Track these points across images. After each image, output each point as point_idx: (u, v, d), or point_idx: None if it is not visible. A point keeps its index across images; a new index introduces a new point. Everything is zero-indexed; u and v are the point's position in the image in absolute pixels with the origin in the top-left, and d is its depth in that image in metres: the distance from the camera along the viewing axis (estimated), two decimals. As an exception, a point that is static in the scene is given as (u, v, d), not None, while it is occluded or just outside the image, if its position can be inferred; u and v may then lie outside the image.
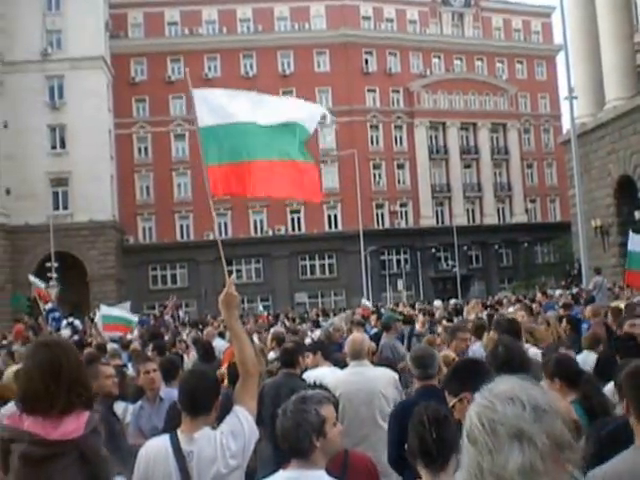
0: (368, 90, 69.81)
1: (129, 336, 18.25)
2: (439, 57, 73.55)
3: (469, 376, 4.47)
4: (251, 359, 4.74)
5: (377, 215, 68.52)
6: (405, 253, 69.21)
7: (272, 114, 6.31)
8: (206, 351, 12.85)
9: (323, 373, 8.10)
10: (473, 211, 72.89)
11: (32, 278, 29.18)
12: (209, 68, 66.97)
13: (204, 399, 4.59)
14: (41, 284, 29.66)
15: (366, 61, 70.19)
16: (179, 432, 4.54)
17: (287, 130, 6.34)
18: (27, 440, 3.37)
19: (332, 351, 9.37)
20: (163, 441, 4.57)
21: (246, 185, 6.26)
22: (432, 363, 6.66)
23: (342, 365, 8.74)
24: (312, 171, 6.59)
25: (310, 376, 7.90)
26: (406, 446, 4.11)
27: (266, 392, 7.99)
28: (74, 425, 3.49)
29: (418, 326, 17.08)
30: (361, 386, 7.62)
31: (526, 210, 74.48)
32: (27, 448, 3.35)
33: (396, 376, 8.08)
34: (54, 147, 59.63)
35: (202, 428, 4.49)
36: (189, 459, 4.39)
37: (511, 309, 20.66)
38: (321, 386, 4.62)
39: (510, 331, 8.37)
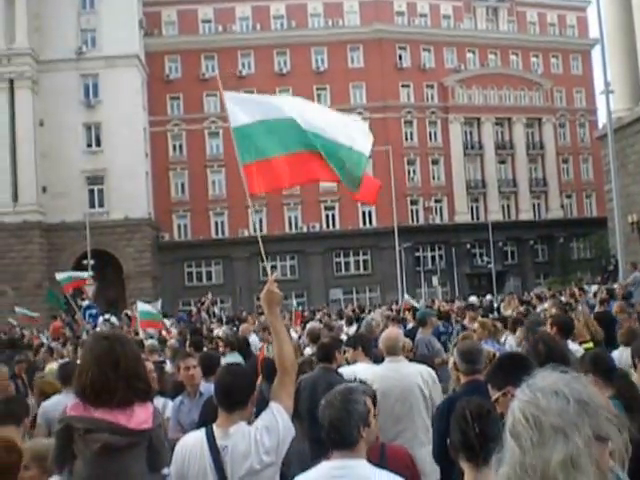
0: (402, 86, 69.50)
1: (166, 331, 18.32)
2: (473, 52, 73.03)
3: (513, 370, 4.47)
4: (289, 357, 4.78)
5: (411, 211, 68.24)
6: (440, 249, 68.88)
7: (321, 126, 6.35)
8: (242, 347, 12.91)
9: (358, 370, 8.08)
10: (508, 207, 72.36)
11: (59, 276, 29.36)
12: (243, 65, 67.08)
13: (239, 394, 4.61)
14: (75, 276, 29.79)
15: (400, 57, 69.84)
16: (215, 427, 4.58)
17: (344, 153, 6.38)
18: (108, 429, 3.42)
19: (372, 346, 9.34)
20: (199, 435, 4.61)
21: (285, 177, 6.32)
22: (479, 358, 6.64)
23: (380, 361, 8.73)
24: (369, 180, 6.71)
25: (345, 372, 7.90)
26: (448, 441, 4.10)
27: (303, 387, 8.02)
28: (144, 416, 3.56)
29: (466, 322, 16.98)
30: (396, 382, 7.59)
31: (562, 205, 73.78)
32: (110, 437, 3.41)
33: (432, 372, 8.02)
34: (89, 145, 60.10)
35: (237, 423, 4.52)
36: (224, 454, 4.44)
37: (546, 305, 20.53)
38: (360, 380, 4.64)
39: (565, 329, 8.43)
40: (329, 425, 4.05)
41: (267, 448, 4.45)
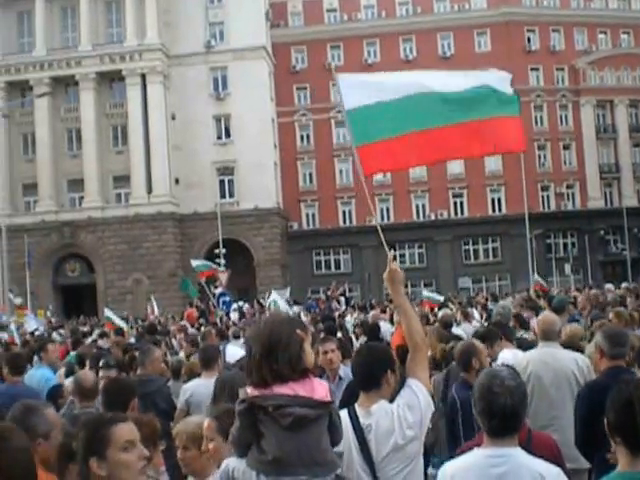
0: (531, 69, 67.97)
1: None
2: (605, 32, 70.66)
3: None
4: (419, 333, 4.78)
5: (542, 197, 66.82)
6: (572, 236, 67.28)
7: (448, 84, 6.34)
8: (372, 333, 12.99)
9: (506, 357, 7.99)
10: (644, 192, 70.04)
11: (195, 263, 29.90)
12: (368, 53, 66.96)
13: (371, 374, 4.71)
14: (209, 265, 30.36)
15: (528, 39, 68.36)
16: (357, 406, 4.67)
17: (470, 93, 6.34)
18: (297, 403, 3.49)
19: (513, 332, 9.21)
20: (342, 415, 4.64)
21: (406, 156, 6.34)
22: (626, 342, 6.47)
23: (524, 347, 8.65)
24: (512, 123, 6.61)
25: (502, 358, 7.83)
26: (606, 424, 3.94)
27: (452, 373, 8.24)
28: (324, 390, 3.61)
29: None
30: (551, 366, 7.50)
31: (701, 189, 70.96)
32: (300, 410, 3.49)
33: (587, 360, 7.76)
34: (219, 137, 61.37)
35: (378, 402, 4.60)
36: (367, 432, 4.52)
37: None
38: (507, 366, 4.55)
39: None
40: (511, 412, 4.02)
41: (410, 423, 4.50)
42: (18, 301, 39.41)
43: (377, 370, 4.72)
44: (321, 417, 3.60)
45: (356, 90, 6.13)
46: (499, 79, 6.62)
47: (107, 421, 3.75)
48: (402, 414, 4.50)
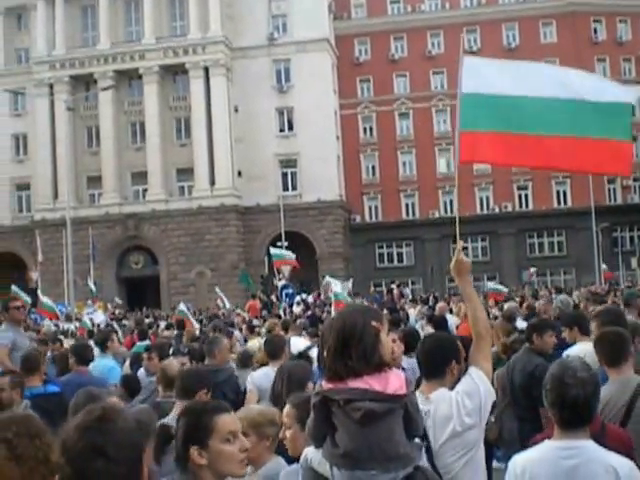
0: (597, 60, 66.86)
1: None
2: (674, 22, 69.42)
3: None
4: (483, 322, 4.81)
5: (609, 190, 65.70)
6: (639, 230, 66.12)
7: (576, 89, 6.18)
8: (439, 325, 12.89)
9: (586, 350, 7.79)
10: None
11: (273, 251, 30.06)
12: (432, 45, 66.40)
13: (436, 363, 4.82)
14: (286, 254, 30.48)
15: (595, 30, 67.30)
16: (418, 392, 4.63)
17: (597, 108, 6.16)
18: (368, 397, 3.44)
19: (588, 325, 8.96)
20: None
21: (505, 155, 6.34)
22: None
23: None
24: (622, 147, 6.33)
25: (571, 352, 7.64)
26: None
27: (510, 367, 8.38)
28: (398, 382, 3.54)
29: None
30: None
31: None
32: (370, 404, 3.44)
33: None
34: (282, 130, 61.54)
35: (438, 389, 4.65)
36: (425, 418, 4.46)
37: None
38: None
39: None
40: (583, 403, 4.03)
41: (469, 410, 4.50)
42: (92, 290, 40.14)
43: (442, 359, 4.81)
44: (393, 410, 3.51)
45: (477, 76, 6.11)
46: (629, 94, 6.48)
47: (211, 409, 3.76)
48: (461, 401, 4.51)
